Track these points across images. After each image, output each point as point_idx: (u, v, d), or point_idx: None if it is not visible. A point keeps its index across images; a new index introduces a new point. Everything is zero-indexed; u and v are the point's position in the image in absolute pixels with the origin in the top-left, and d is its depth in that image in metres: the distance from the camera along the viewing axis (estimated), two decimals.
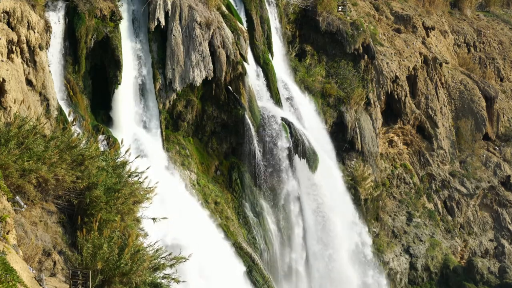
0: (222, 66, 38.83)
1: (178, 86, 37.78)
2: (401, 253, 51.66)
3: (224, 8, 41.15)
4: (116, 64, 35.20)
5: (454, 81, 60.67)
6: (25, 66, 28.66)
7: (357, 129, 48.95)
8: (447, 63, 59.73)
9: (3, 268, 12.23)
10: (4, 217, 14.38)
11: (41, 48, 29.67)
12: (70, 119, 26.08)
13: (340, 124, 48.49)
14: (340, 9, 52.51)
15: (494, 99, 60.97)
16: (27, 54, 28.75)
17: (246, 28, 42.51)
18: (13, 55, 27.27)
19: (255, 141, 40.44)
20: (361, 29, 50.38)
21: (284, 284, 42.12)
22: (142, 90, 37.42)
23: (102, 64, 35.82)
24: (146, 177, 20.77)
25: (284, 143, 41.26)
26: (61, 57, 33.51)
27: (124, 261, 16.57)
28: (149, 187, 20.63)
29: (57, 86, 32.42)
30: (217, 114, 40.39)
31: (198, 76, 37.97)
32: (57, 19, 33.00)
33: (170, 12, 37.54)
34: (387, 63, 52.99)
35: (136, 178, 20.44)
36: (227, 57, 39.06)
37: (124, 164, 20.65)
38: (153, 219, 20.58)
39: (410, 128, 55.98)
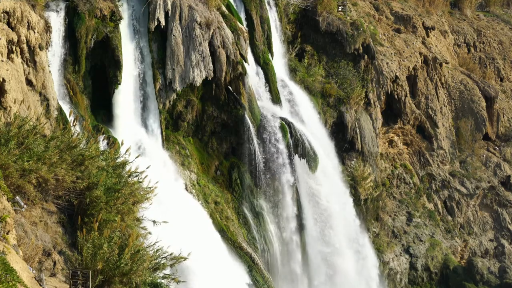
0: (222, 66, 38.83)
1: (178, 86, 37.78)
2: (401, 253, 51.66)
3: (224, 8, 41.15)
4: (116, 64, 35.20)
5: (454, 81, 60.66)
6: (25, 66, 28.65)
7: (357, 129, 48.96)
8: (447, 63, 59.73)
9: (3, 268, 12.22)
10: (4, 217, 14.37)
11: (41, 48, 29.67)
12: (70, 119, 26.08)
13: (340, 124, 48.49)
14: (340, 9, 52.51)
15: (494, 99, 60.97)
16: (27, 54, 28.74)
17: (246, 28, 42.51)
18: (13, 55, 27.26)
19: (255, 141, 40.44)
20: (361, 29, 50.39)
21: (284, 284, 42.11)
22: (142, 90, 37.42)
23: (102, 64, 35.82)
24: (146, 177, 20.76)
25: (284, 143, 41.27)
26: (61, 57, 33.51)
27: (124, 261, 16.56)
28: (149, 187, 20.62)
29: (57, 86, 32.42)
30: (217, 114, 40.38)
31: (198, 76, 37.97)
32: (57, 19, 33.01)
33: (170, 12, 37.54)
34: (387, 63, 52.99)
35: (136, 178, 20.42)
36: (227, 57, 39.05)
37: (124, 164, 20.64)
38: (154, 221, 20.55)
39: (410, 128, 55.98)
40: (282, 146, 41.23)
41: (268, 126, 41.21)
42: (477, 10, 71.53)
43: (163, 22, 37.10)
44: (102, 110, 35.97)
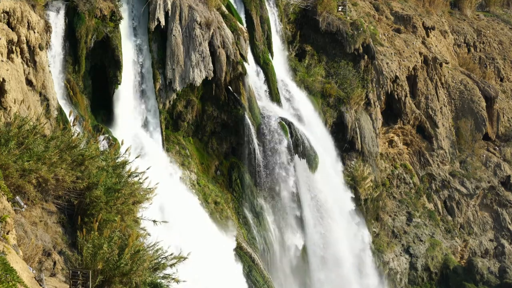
0: (222, 66, 38.83)
1: (178, 86, 37.79)
2: (401, 253, 51.65)
3: (224, 8, 41.15)
4: (116, 64, 35.21)
5: (454, 81, 60.66)
6: (25, 66, 28.66)
7: (357, 129, 48.95)
8: (447, 63, 59.73)
9: (3, 268, 12.21)
10: (4, 217, 14.37)
11: (41, 48, 29.67)
12: (71, 119, 26.08)
13: (340, 124, 48.48)
14: (340, 9, 52.52)
15: (494, 99, 60.97)
16: (27, 54, 28.75)
17: (246, 28, 42.52)
18: (13, 55, 27.27)
19: (255, 141, 40.44)
20: (361, 29, 50.38)
21: (284, 284, 42.11)
22: (142, 90, 37.44)
23: (102, 64, 35.83)
24: (146, 177, 20.73)
25: (284, 143, 41.27)
26: (61, 57, 33.52)
27: (124, 261, 16.54)
28: (149, 188, 20.59)
29: (57, 86, 32.43)
30: (217, 114, 40.39)
31: (198, 76, 37.97)
32: (57, 19, 33.01)
33: (170, 12, 37.55)
34: (387, 63, 52.99)
35: (136, 178, 20.39)
36: (227, 57, 39.06)
37: (124, 164, 20.61)
38: (154, 221, 20.53)
39: (410, 128, 55.97)
40: (282, 146, 41.23)
41: (268, 126, 41.22)
42: (477, 10, 71.53)
43: (163, 22, 37.11)
44: (102, 110, 35.99)
